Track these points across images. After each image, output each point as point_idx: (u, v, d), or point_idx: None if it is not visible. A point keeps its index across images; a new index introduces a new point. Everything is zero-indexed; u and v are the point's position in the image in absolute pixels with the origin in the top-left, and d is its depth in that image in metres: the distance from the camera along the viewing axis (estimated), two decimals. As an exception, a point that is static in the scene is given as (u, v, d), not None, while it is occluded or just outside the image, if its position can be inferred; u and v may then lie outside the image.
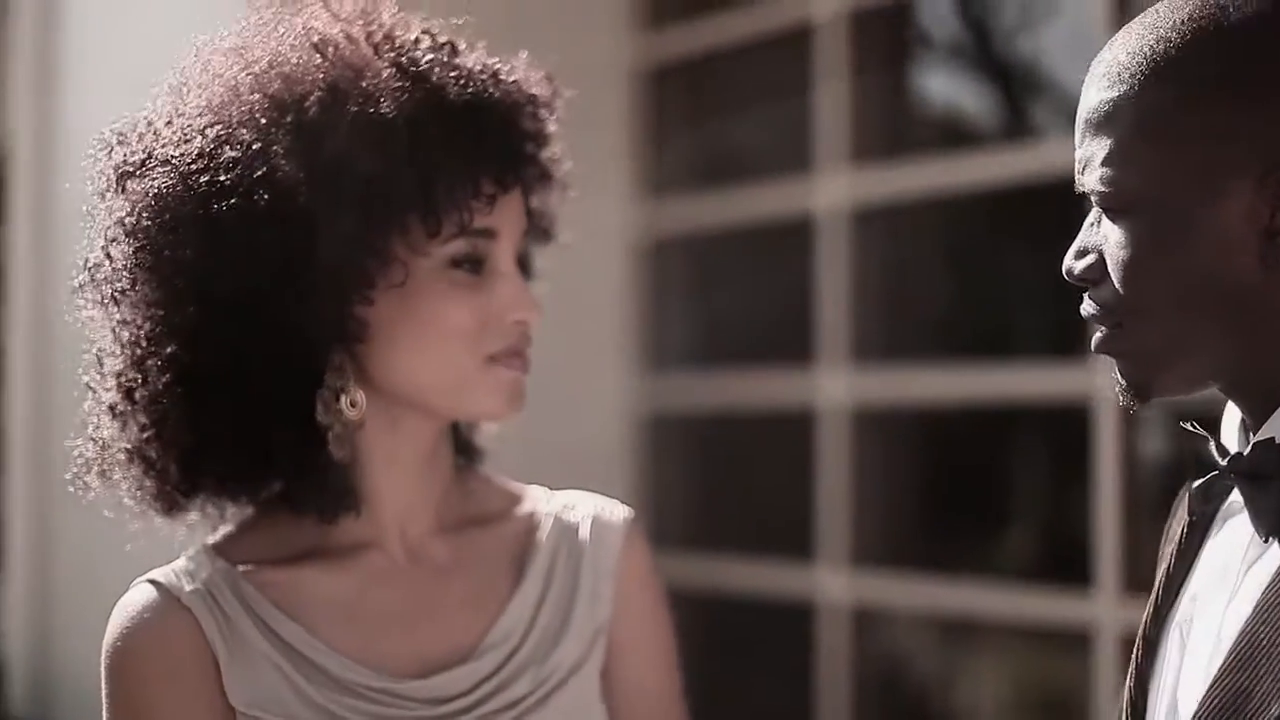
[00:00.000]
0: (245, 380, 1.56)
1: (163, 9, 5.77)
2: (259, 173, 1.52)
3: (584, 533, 1.71)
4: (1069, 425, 4.06)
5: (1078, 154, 1.41)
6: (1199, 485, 1.45)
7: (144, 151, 1.58)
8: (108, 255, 1.59)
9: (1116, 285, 1.40)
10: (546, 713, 1.63)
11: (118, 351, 1.60)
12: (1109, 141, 1.38)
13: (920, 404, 4.59)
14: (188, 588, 1.58)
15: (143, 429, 1.59)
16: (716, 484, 5.19)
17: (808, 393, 4.75)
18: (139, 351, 1.58)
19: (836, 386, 4.67)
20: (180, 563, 1.61)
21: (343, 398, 1.57)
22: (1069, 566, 4.03)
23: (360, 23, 1.62)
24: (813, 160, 4.78)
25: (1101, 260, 1.42)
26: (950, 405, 4.49)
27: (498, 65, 1.65)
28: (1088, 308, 1.43)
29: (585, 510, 1.73)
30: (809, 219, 4.79)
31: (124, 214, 1.57)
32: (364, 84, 1.56)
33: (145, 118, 1.62)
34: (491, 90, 1.62)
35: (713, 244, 5.19)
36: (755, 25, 5.03)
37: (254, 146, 1.53)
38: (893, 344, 4.66)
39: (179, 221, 1.54)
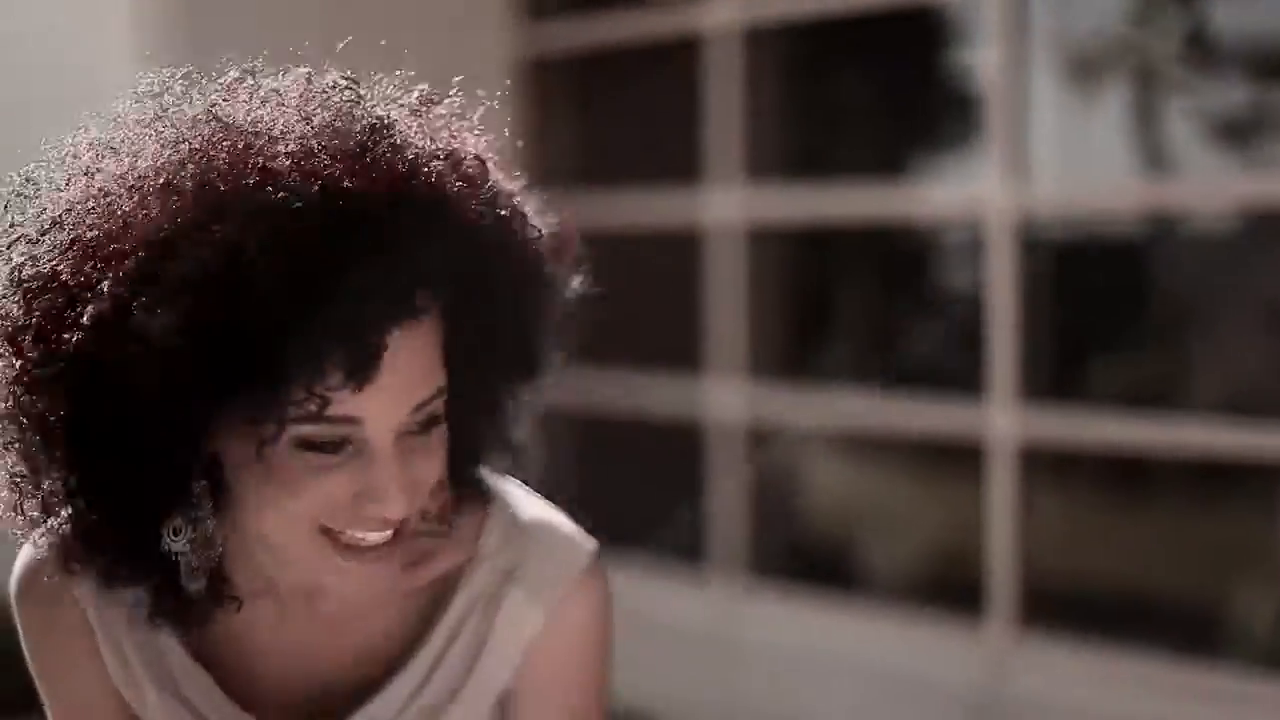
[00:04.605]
0: (103, 493, 1.30)
1: None
2: (82, 316, 1.23)
3: (510, 584, 1.41)
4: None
5: None
6: None
7: (7, 239, 1.31)
8: None
9: None
10: None
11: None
12: None
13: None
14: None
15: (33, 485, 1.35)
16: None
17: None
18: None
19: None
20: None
21: (199, 529, 1.30)
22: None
23: (245, 137, 1.24)
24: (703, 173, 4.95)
25: None
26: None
27: (403, 177, 1.24)
28: None
29: (525, 554, 1.41)
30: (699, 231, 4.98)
31: None
32: (180, 260, 1.21)
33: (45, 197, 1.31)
34: (374, 231, 1.21)
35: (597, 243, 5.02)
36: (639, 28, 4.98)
37: (78, 282, 1.24)
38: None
39: (11, 341, 1.28)
